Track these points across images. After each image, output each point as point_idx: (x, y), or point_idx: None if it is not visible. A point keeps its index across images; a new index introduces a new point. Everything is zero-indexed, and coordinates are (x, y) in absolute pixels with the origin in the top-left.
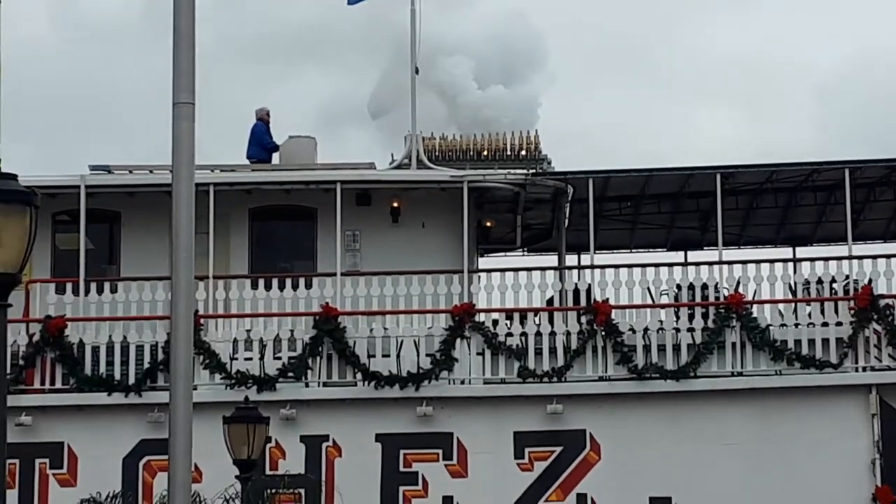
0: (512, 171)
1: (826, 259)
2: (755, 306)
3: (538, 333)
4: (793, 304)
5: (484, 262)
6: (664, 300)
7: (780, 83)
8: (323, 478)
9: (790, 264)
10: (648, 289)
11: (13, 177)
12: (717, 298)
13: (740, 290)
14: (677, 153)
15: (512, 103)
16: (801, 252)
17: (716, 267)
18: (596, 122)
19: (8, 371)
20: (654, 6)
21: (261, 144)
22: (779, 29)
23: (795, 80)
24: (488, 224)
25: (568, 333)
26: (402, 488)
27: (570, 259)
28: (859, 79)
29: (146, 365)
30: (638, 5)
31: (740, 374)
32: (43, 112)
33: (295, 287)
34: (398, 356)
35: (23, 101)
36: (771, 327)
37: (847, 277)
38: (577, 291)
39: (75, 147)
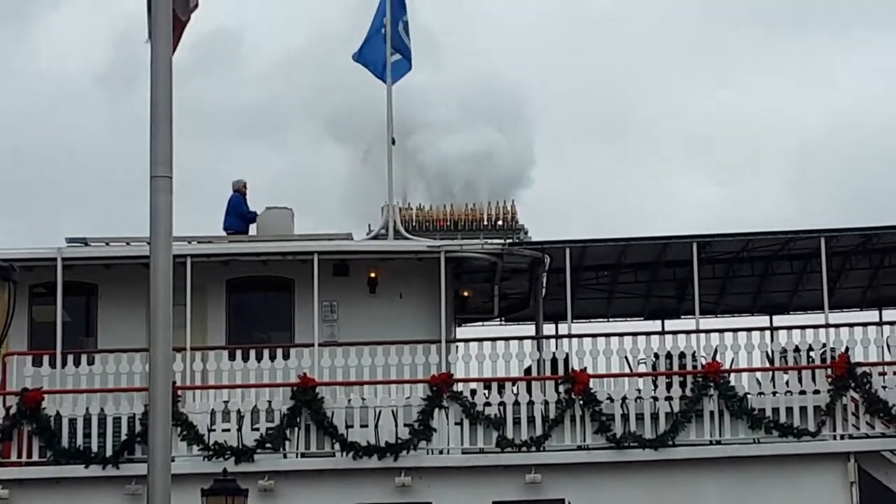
0: (489, 241)
1: (803, 327)
2: (733, 375)
3: (516, 403)
4: (770, 373)
5: (461, 332)
6: (642, 369)
7: (759, 147)
8: None
9: (767, 333)
10: (626, 358)
11: None
12: (694, 367)
13: (718, 358)
14: (654, 219)
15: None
16: (778, 320)
17: (693, 335)
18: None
19: None
20: (631, 71)
21: (238, 214)
22: (758, 94)
23: (774, 144)
24: (465, 294)
25: (546, 403)
26: None
27: (548, 328)
28: (838, 142)
29: (123, 437)
30: (616, 71)
31: (718, 442)
32: (17, 184)
33: (272, 358)
34: (376, 426)
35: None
36: (749, 395)
37: (824, 345)
38: (554, 361)
39: (51, 219)
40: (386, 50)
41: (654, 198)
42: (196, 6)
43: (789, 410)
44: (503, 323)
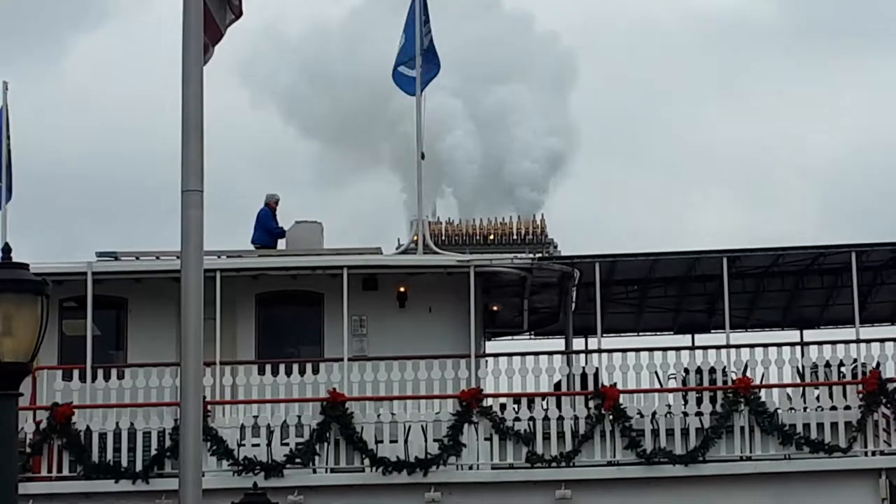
0: (518, 255)
1: (834, 342)
2: (763, 390)
3: (546, 418)
4: (801, 388)
5: (491, 347)
6: (672, 384)
7: (781, 172)
8: None
9: (798, 348)
10: (656, 373)
11: (24, 266)
12: (724, 382)
13: (748, 373)
14: (677, 241)
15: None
16: (809, 335)
17: (723, 350)
18: (594, 209)
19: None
20: (655, 96)
21: (266, 229)
22: (780, 119)
23: (796, 170)
24: (495, 308)
25: (576, 418)
26: None
27: (578, 343)
28: (859, 169)
29: (153, 452)
30: (642, 94)
31: (749, 458)
32: (49, 198)
33: (302, 372)
34: (406, 441)
35: (31, 188)
36: (779, 411)
37: (855, 361)
38: (584, 375)
39: (82, 233)
40: (416, 63)
41: (672, 219)
42: (238, 16)
43: (820, 426)
44: (532, 337)
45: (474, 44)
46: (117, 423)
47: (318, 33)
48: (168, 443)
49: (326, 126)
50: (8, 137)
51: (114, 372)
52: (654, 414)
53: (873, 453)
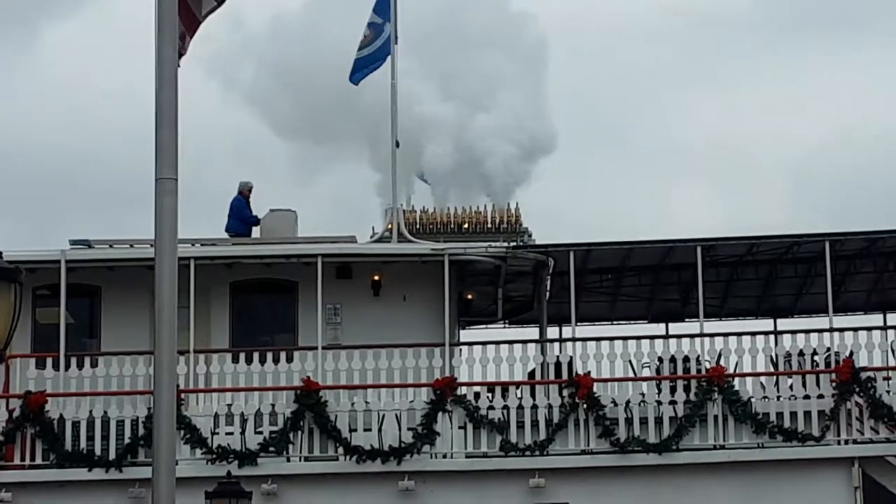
0: (493, 244)
1: (807, 331)
2: (737, 379)
3: (520, 407)
4: (774, 377)
5: (465, 335)
6: (646, 373)
7: (755, 162)
8: None
9: (771, 336)
10: (630, 361)
11: None
12: (698, 371)
13: (722, 362)
14: (650, 231)
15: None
16: (783, 324)
17: (697, 339)
18: (568, 198)
19: None
20: (630, 84)
21: (240, 218)
22: (753, 109)
23: (769, 160)
24: (469, 297)
25: (550, 407)
26: None
27: (552, 331)
28: (832, 159)
29: (127, 440)
30: (614, 83)
31: (722, 447)
32: (21, 185)
33: (276, 361)
34: (380, 430)
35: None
36: (753, 400)
37: (828, 350)
38: (558, 364)
39: (54, 221)
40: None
41: (650, 210)
42: (217, 6)
43: (793, 415)
44: (507, 326)
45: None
46: (90, 412)
47: (277, 26)
48: (141, 431)
49: (295, 118)
50: None
51: (87, 360)
52: (627, 402)
53: (846, 442)
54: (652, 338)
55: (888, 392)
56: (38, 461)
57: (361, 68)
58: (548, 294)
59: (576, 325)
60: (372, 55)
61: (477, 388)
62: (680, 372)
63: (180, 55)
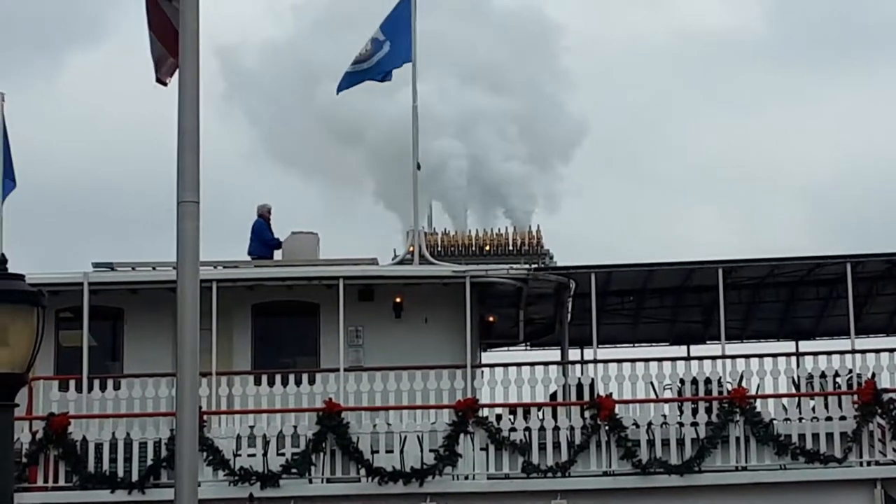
0: (514, 266)
1: (829, 353)
2: (759, 400)
3: (542, 428)
4: (796, 399)
5: (487, 357)
6: (667, 395)
7: (773, 187)
8: None
9: (793, 358)
10: (651, 383)
11: (20, 277)
12: (720, 393)
13: (743, 384)
14: (672, 254)
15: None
16: (804, 346)
17: (719, 361)
18: (587, 221)
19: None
20: (649, 110)
21: (262, 241)
22: (772, 134)
23: (787, 184)
24: (491, 319)
25: (571, 428)
26: None
27: (573, 353)
28: (850, 185)
29: (149, 462)
30: (633, 107)
31: (744, 468)
32: (46, 209)
33: (298, 383)
34: (402, 452)
35: (27, 200)
36: (775, 421)
37: (850, 371)
38: (580, 386)
39: (78, 244)
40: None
41: (667, 232)
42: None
43: (815, 436)
44: (528, 348)
45: (464, 44)
46: (113, 434)
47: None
48: (164, 453)
49: (304, 155)
50: (5, 136)
51: (110, 382)
52: (649, 424)
53: (868, 463)
54: (674, 359)
55: None
56: (62, 483)
57: (351, 82)
58: (569, 316)
59: (597, 346)
60: (364, 72)
61: (499, 410)
62: (702, 393)
63: (167, 79)
